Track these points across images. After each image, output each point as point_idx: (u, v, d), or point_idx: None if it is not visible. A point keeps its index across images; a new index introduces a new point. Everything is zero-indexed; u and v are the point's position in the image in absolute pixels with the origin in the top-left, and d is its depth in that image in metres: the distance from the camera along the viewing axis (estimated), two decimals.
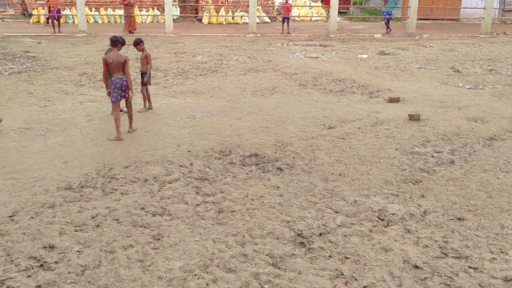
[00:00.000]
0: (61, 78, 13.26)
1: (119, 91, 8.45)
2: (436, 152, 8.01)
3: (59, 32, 21.61)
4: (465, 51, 18.01)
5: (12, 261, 4.90)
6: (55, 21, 21.84)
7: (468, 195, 6.45)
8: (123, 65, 8.37)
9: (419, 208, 6.07)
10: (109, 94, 8.63)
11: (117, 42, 8.51)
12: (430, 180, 6.92)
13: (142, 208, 5.98)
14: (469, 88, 12.57)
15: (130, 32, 21.93)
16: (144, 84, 10.23)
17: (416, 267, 4.83)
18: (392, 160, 7.62)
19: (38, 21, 25.75)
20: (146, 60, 10.18)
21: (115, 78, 8.40)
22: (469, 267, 4.84)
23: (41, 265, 4.82)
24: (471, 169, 7.30)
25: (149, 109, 10.26)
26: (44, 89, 12.04)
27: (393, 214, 5.93)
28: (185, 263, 4.87)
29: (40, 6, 26.20)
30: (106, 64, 8.39)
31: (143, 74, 10.28)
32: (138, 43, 10.15)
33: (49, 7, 22.45)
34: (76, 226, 5.56)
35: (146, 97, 10.33)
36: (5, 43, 18.33)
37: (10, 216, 5.78)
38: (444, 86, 12.77)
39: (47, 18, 24.41)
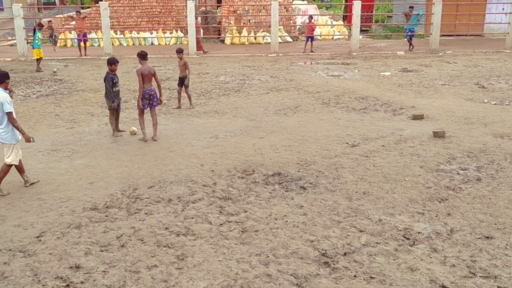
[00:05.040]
0: (87, 100, 13.51)
1: (146, 101, 9.70)
2: (462, 170, 7.89)
3: (85, 55, 22.05)
4: (490, 67, 17.78)
5: (39, 281, 4.97)
6: (82, 44, 22.34)
7: (496, 213, 6.33)
8: (152, 76, 9.73)
9: (445, 227, 5.97)
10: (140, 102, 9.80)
11: (145, 56, 9.81)
12: (456, 198, 6.82)
13: (166, 228, 6.02)
14: (495, 104, 12.39)
15: (204, 52, 22.51)
16: (181, 85, 12.28)
17: (443, 287, 4.75)
18: (417, 178, 7.54)
19: (65, 45, 26.34)
20: (185, 66, 12.16)
21: (145, 89, 9.65)
22: (498, 287, 4.73)
23: (67, 285, 4.88)
24: (498, 186, 7.16)
25: (190, 107, 12.42)
26: (70, 111, 12.27)
27: (419, 233, 5.85)
28: (209, 283, 4.86)
29: (67, 30, 26.83)
30: (142, 76, 9.57)
31: (181, 78, 12.25)
32: (180, 51, 12.07)
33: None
34: (102, 246, 5.62)
35: (180, 98, 12.48)
36: (33, 67, 18.75)
37: (37, 237, 5.88)
38: (469, 102, 12.62)
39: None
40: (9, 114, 7.04)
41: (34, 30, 18.92)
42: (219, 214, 6.42)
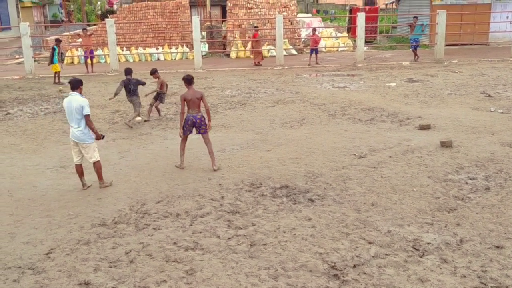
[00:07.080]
0: (94, 116, 13.55)
1: (189, 127, 8.81)
2: (470, 179, 7.85)
3: (92, 72, 22.23)
4: (496, 75, 17.75)
5: None
6: (88, 61, 22.52)
7: (506, 222, 6.29)
8: (200, 101, 8.76)
9: (455, 237, 5.94)
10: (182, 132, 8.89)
11: (191, 81, 8.83)
12: (465, 207, 6.78)
13: (175, 243, 6.02)
14: (502, 112, 12.35)
15: (258, 64, 22.89)
16: (157, 100, 12.91)
17: None
18: (425, 188, 7.51)
19: (72, 62, 26.57)
20: (161, 85, 12.80)
21: (189, 115, 8.78)
22: None
23: None
24: (507, 195, 7.12)
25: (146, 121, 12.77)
26: None
27: (428, 243, 5.81)
28: None
29: (74, 48, 27.08)
30: (185, 101, 8.73)
31: (159, 94, 12.86)
32: (153, 73, 12.80)
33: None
34: (111, 262, 5.63)
35: (151, 111, 12.96)
36: (40, 84, 18.94)
37: (46, 254, 5.90)
38: (476, 111, 12.59)
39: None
40: (87, 116, 7.85)
41: (53, 48, 19.34)
42: (227, 228, 6.42)
